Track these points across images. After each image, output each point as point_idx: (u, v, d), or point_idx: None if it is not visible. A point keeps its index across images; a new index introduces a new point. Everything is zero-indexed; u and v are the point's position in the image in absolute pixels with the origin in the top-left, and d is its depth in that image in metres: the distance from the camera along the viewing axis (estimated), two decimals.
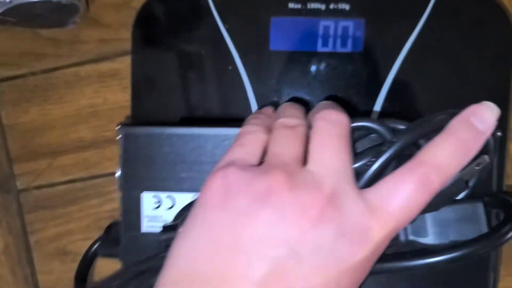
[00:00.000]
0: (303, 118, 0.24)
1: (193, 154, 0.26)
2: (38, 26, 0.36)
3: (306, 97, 0.33)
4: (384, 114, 0.32)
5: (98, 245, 0.28)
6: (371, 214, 0.20)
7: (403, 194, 0.20)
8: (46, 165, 0.39)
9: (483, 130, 0.21)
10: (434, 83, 0.33)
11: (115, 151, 0.38)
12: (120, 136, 0.27)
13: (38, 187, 0.39)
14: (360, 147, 0.24)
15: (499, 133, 0.24)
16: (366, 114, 0.33)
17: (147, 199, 0.26)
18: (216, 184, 0.21)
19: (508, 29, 0.32)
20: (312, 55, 0.33)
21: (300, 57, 0.33)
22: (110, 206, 0.38)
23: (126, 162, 0.26)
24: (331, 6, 0.33)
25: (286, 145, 0.22)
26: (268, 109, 0.27)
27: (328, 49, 0.33)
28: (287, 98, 0.33)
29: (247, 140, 0.23)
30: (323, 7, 0.33)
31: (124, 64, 0.37)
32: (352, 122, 0.23)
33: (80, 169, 0.38)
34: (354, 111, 0.33)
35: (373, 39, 0.33)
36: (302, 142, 0.22)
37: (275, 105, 0.28)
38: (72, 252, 0.39)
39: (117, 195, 0.37)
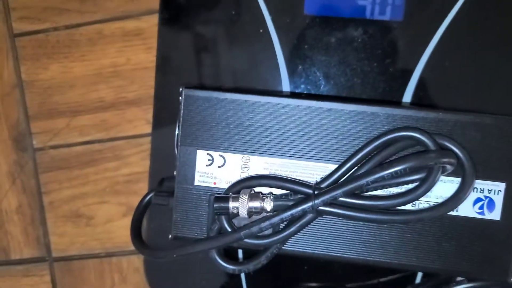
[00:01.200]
0: None
1: (244, 118, 0.28)
2: None
3: (337, 66, 0.32)
4: (419, 87, 0.31)
5: (153, 195, 0.30)
6: None
7: None
8: (64, 124, 0.38)
9: None
10: (476, 59, 0.31)
11: (135, 113, 0.37)
12: (181, 97, 0.28)
13: (55, 147, 0.38)
14: None
15: None
16: (402, 84, 0.31)
17: (201, 156, 0.28)
18: None
19: None
20: (348, 22, 0.31)
21: (335, 23, 0.32)
22: (128, 170, 0.37)
23: (185, 121, 0.28)
24: None
25: None
26: None
27: (366, 15, 0.31)
28: (317, 66, 0.32)
29: None
30: None
31: (150, 24, 0.35)
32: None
33: (98, 130, 0.37)
34: (389, 84, 0.32)
35: (414, 7, 0.31)
36: None
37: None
38: (85, 215, 0.38)
39: (138, 158, 0.37)
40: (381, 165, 0.23)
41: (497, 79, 0.31)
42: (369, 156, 0.24)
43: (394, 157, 0.26)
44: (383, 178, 0.23)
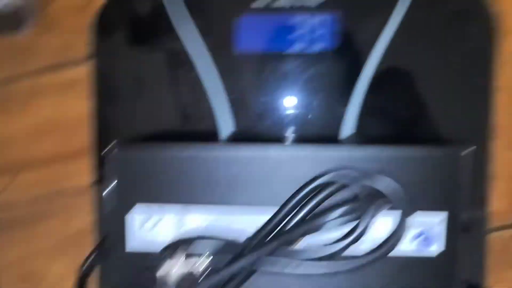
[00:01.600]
0: None
1: (179, 171, 0.26)
2: None
3: (274, 101, 0.31)
4: (361, 115, 0.30)
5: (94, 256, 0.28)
6: None
7: None
8: (8, 181, 0.36)
9: None
10: (414, 79, 0.30)
11: (78, 165, 0.36)
12: (109, 154, 0.27)
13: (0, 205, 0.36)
14: None
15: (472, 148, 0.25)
16: (339, 114, 0.30)
17: (133, 216, 0.26)
18: None
19: (486, 19, 0.30)
20: (282, 56, 0.31)
21: (269, 58, 0.31)
22: (76, 224, 0.36)
23: (117, 178, 0.27)
24: (298, 3, 0.31)
25: None
26: None
27: (299, 48, 0.31)
28: (258, 102, 0.31)
29: None
30: (288, 4, 0.31)
31: (86, 71, 0.35)
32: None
33: (43, 184, 0.36)
34: (329, 111, 0.31)
35: (347, 34, 0.30)
36: None
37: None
38: (37, 274, 0.36)
39: (84, 211, 0.36)
40: (313, 215, 0.22)
41: (430, 107, 0.31)
42: (300, 205, 0.24)
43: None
44: (316, 228, 0.22)
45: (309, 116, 0.31)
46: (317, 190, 0.24)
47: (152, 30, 0.32)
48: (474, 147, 0.25)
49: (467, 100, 0.30)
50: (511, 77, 0.32)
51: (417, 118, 0.30)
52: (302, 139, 0.31)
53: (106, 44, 0.33)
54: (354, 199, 0.24)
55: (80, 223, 0.35)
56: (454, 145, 0.26)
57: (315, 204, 0.23)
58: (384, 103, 0.31)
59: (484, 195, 0.31)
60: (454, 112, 0.31)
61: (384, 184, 0.25)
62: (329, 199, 0.24)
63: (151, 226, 0.26)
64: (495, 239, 0.33)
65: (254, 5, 0.31)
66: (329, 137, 0.31)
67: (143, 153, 0.26)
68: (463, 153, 0.26)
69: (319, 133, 0.31)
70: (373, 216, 0.24)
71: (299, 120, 0.31)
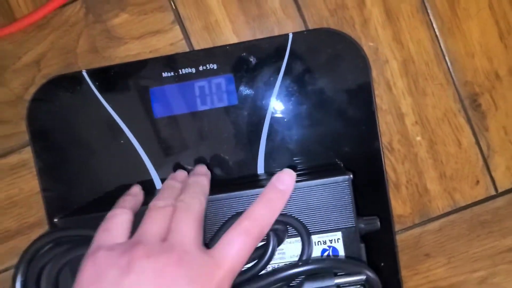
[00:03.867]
0: (174, 197, 0.29)
1: None
2: None
3: (197, 153, 0.36)
4: (268, 155, 0.35)
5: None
6: (214, 263, 0.26)
7: (233, 244, 0.27)
8: None
9: (284, 189, 0.29)
10: (306, 117, 0.36)
11: (40, 233, 0.41)
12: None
13: None
14: None
15: (351, 175, 0.30)
16: (252, 158, 0.35)
17: None
18: (88, 266, 0.25)
19: (363, 63, 0.35)
20: (194, 115, 0.36)
21: (183, 119, 0.36)
22: None
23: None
24: (201, 68, 0.36)
25: (151, 224, 0.27)
26: (135, 189, 0.32)
27: (207, 106, 0.36)
28: (180, 157, 0.36)
29: (112, 224, 0.27)
30: (193, 70, 0.36)
31: (31, 154, 0.39)
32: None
33: (12, 256, 0.40)
34: (240, 159, 0.36)
35: (244, 90, 0.35)
36: (167, 219, 0.27)
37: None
38: None
39: None
40: None
41: (330, 129, 0.36)
42: None
43: None
44: None
45: (228, 161, 0.36)
46: None
47: (81, 108, 0.37)
48: (351, 174, 0.30)
49: (355, 124, 0.36)
50: (391, 100, 0.37)
51: (315, 147, 0.35)
52: (223, 180, 0.36)
53: (41, 128, 0.37)
54: None
55: None
56: (338, 173, 0.31)
57: None
58: (284, 141, 0.36)
59: (387, 204, 0.36)
60: (346, 136, 0.36)
61: (287, 218, 0.30)
62: None
63: None
64: (406, 238, 0.38)
65: (164, 75, 0.36)
66: (247, 175, 0.36)
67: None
68: (348, 178, 0.31)
69: (238, 172, 0.36)
70: (277, 242, 0.29)
71: (219, 165, 0.36)
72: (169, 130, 0.36)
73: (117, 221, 0.27)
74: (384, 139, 0.37)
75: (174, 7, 0.37)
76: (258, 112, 0.36)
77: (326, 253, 0.31)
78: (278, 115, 0.35)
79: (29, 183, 0.40)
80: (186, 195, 0.29)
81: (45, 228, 0.39)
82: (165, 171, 0.36)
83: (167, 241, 0.26)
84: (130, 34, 0.37)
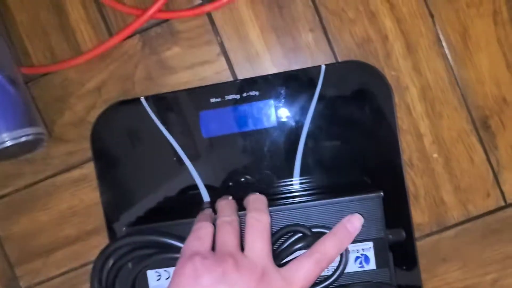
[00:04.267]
0: (235, 214, 0.35)
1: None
2: (13, 157, 0.43)
3: (240, 169, 0.41)
4: (302, 173, 0.40)
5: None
6: (286, 283, 0.31)
7: (304, 270, 0.32)
8: (42, 263, 0.45)
9: (352, 231, 0.34)
10: (337, 137, 0.41)
11: (97, 240, 0.45)
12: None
13: (39, 283, 0.46)
14: None
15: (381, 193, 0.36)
16: (289, 173, 0.40)
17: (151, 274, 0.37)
18: (187, 269, 0.30)
19: (387, 90, 0.40)
20: (238, 135, 0.41)
21: (228, 139, 0.41)
22: None
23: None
24: (244, 94, 0.41)
25: (228, 237, 0.33)
26: (209, 210, 0.37)
27: (249, 128, 0.41)
28: (226, 173, 0.41)
29: (202, 234, 0.33)
30: (238, 96, 0.41)
31: (91, 169, 0.44)
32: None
33: (71, 260, 0.45)
34: (278, 175, 0.41)
35: (282, 114, 0.41)
36: (238, 232, 0.33)
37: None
38: None
39: None
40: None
41: (356, 154, 0.41)
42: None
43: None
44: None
45: (268, 176, 0.41)
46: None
47: (138, 129, 0.42)
48: (381, 192, 0.36)
49: (380, 144, 0.40)
50: (411, 122, 0.42)
51: (345, 163, 0.41)
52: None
53: (103, 146, 0.42)
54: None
55: None
56: (371, 190, 0.36)
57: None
58: (317, 161, 0.41)
59: (408, 213, 0.41)
60: (373, 154, 0.41)
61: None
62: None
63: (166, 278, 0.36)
64: (425, 244, 0.42)
65: (212, 100, 0.41)
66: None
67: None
68: (379, 195, 0.36)
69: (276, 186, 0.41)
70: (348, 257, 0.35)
71: (260, 179, 0.41)
72: (215, 149, 0.41)
73: (206, 232, 0.32)
74: (405, 156, 0.42)
75: (220, 41, 0.43)
76: (293, 134, 0.41)
77: (358, 260, 0.36)
78: (312, 136, 0.40)
79: (88, 195, 0.45)
80: (254, 211, 0.33)
81: (103, 235, 0.44)
82: (212, 185, 0.41)
83: (247, 256, 0.31)
84: (181, 64, 0.43)
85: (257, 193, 0.36)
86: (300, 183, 0.41)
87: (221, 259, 0.30)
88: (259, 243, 0.32)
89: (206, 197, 0.41)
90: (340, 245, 0.34)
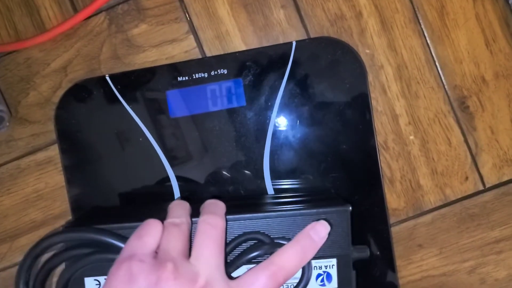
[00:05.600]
0: (186, 216, 0.31)
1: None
2: None
3: (208, 150, 0.39)
4: (273, 153, 0.39)
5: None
6: None
7: (258, 284, 0.28)
8: (6, 249, 0.44)
9: (317, 240, 0.30)
10: (308, 117, 0.39)
11: (63, 224, 0.44)
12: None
13: (3, 269, 0.44)
14: None
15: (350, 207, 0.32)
16: (259, 155, 0.39)
17: (89, 282, 0.33)
18: (122, 271, 0.27)
19: (360, 69, 0.39)
20: (206, 116, 0.39)
21: (196, 119, 0.39)
22: None
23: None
24: (212, 72, 0.39)
25: (174, 242, 0.29)
26: (179, 203, 0.33)
27: (218, 108, 0.39)
28: (193, 154, 0.40)
29: (146, 234, 0.29)
30: (206, 75, 0.39)
31: (56, 151, 0.43)
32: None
33: None
34: (248, 155, 0.39)
35: (252, 93, 0.39)
36: (186, 237, 0.30)
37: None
38: None
39: None
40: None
41: (329, 133, 0.39)
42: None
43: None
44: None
45: (236, 158, 0.39)
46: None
47: (104, 109, 0.40)
48: (349, 206, 0.32)
49: (353, 124, 0.39)
50: (386, 102, 0.40)
51: (316, 145, 0.39)
52: (233, 172, 0.39)
53: (67, 128, 0.41)
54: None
55: None
56: (338, 203, 0.33)
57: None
58: (288, 140, 0.39)
59: (383, 198, 0.39)
60: (345, 135, 0.39)
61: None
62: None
63: None
64: (401, 230, 0.41)
65: (180, 78, 0.40)
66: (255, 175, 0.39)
67: None
68: (347, 210, 0.33)
69: (245, 169, 0.39)
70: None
71: (227, 161, 0.39)
72: (183, 129, 0.40)
73: (151, 232, 0.29)
74: (379, 138, 0.40)
75: (188, 18, 0.41)
76: (264, 113, 0.39)
77: (320, 278, 0.33)
78: (283, 115, 0.39)
79: (54, 178, 0.43)
80: (207, 214, 0.30)
81: (69, 219, 0.43)
82: (180, 167, 0.40)
83: (191, 264, 0.28)
84: (149, 42, 0.41)
85: (216, 199, 0.33)
86: (270, 165, 0.39)
87: (160, 265, 0.27)
88: (207, 250, 0.28)
89: (173, 179, 0.40)
90: (302, 257, 0.29)
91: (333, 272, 0.33)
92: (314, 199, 0.36)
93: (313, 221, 0.31)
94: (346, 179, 0.39)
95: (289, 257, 0.29)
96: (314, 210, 0.32)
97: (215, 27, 0.41)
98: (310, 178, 0.39)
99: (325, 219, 0.32)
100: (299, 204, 0.34)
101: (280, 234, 0.32)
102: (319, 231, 0.30)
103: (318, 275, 0.33)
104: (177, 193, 0.40)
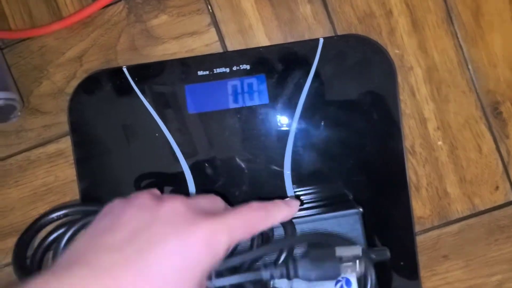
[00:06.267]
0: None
1: None
2: None
3: (226, 148, 0.38)
4: (295, 153, 0.37)
5: None
6: None
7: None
8: (12, 243, 0.42)
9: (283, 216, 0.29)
10: (333, 120, 0.37)
11: None
12: None
13: (9, 264, 0.42)
14: None
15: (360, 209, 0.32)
16: (280, 154, 0.37)
17: None
18: (145, 195, 0.28)
19: (390, 69, 0.37)
20: (226, 112, 0.38)
21: (215, 116, 0.38)
22: None
23: None
24: (234, 68, 0.38)
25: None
26: None
27: (239, 105, 0.37)
28: (210, 151, 0.38)
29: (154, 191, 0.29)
30: (227, 70, 0.38)
31: (67, 144, 0.41)
32: None
33: None
34: (269, 155, 0.37)
35: (275, 90, 0.37)
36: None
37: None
38: None
39: None
40: None
41: (355, 132, 0.37)
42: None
43: None
44: None
45: (256, 157, 0.38)
46: None
47: (119, 102, 0.39)
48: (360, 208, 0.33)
49: (380, 126, 0.37)
50: (414, 105, 0.38)
51: (341, 145, 0.37)
52: (252, 172, 0.37)
53: (80, 120, 0.39)
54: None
55: None
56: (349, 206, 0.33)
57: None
58: (311, 140, 0.37)
59: (408, 205, 0.37)
60: (371, 136, 0.37)
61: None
62: None
63: None
64: (425, 239, 0.39)
65: (200, 73, 0.38)
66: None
67: None
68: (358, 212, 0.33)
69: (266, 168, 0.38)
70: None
71: (247, 160, 0.38)
72: (201, 126, 0.38)
73: (140, 195, 0.28)
74: (406, 143, 0.38)
75: (210, 10, 0.39)
76: (287, 112, 0.37)
77: (339, 284, 0.32)
78: (306, 115, 0.37)
79: (64, 172, 0.42)
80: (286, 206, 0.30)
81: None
82: (196, 165, 0.38)
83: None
84: (168, 34, 0.40)
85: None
86: (291, 165, 0.37)
87: (164, 199, 0.27)
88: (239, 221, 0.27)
89: (188, 175, 0.38)
90: (249, 223, 0.28)
91: (353, 278, 0.31)
92: (328, 203, 0.36)
93: (326, 226, 0.32)
94: (371, 184, 0.37)
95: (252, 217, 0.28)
96: (326, 215, 0.33)
97: (238, 20, 0.39)
98: (332, 181, 0.37)
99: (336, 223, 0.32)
100: (313, 209, 0.34)
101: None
102: (292, 205, 0.30)
103: (337, 281, 0.32)
104: (192, 191, 0.38)
